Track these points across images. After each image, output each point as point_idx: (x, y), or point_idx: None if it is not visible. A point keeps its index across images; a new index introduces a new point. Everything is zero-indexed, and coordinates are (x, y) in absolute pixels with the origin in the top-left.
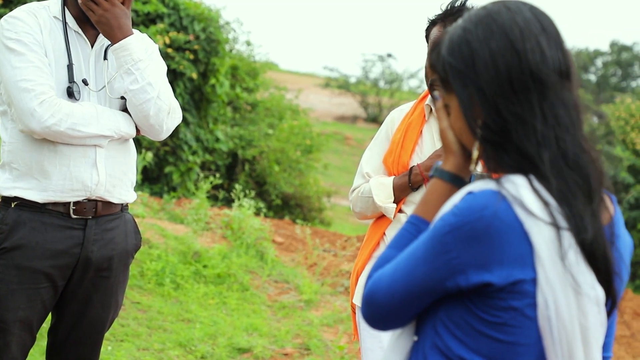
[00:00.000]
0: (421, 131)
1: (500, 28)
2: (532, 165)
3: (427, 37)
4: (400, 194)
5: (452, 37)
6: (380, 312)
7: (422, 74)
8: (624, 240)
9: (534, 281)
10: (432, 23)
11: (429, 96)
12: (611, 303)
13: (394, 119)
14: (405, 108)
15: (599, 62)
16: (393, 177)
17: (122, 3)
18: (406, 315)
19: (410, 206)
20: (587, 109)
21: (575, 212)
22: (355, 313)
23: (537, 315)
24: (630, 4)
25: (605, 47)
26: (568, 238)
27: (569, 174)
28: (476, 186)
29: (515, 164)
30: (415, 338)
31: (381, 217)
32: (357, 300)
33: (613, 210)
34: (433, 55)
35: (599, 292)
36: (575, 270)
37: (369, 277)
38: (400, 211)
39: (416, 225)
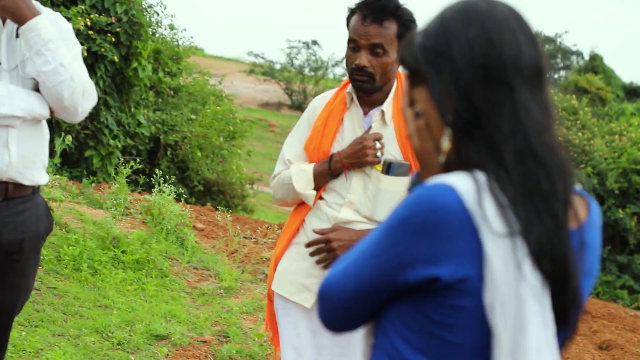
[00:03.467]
0: (342, 119)
1: (478, 18)
2: (495, 159)
3: (347, 25)
4: (320, 181)
5: (428, 25)
6: (333, 309)
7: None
8: (593, 249)
9: (480, 280)
10: (352, 12)
11: (350, 84)
12: (570, 325)
13: (316, 106)
14: (327, 95)
15: None
16: (314, 164)
17: None
18: (359, 314)
19: (330, 193)
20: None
21: (529, 210)
22: (271, 301)
23: (487, 318)
24: None
25: None
26: (520, 240)
27: (533, 171)
28: (431, 180)
29: (478, 156)
30: (372, 341)
31: (301, 204)
32: (276, 287)
33: (586, 215)
34: (404, 47)
35: (546, 305)
36: (526, 275)
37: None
38: (320, 198)
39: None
